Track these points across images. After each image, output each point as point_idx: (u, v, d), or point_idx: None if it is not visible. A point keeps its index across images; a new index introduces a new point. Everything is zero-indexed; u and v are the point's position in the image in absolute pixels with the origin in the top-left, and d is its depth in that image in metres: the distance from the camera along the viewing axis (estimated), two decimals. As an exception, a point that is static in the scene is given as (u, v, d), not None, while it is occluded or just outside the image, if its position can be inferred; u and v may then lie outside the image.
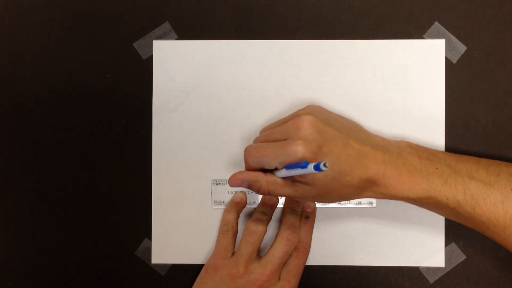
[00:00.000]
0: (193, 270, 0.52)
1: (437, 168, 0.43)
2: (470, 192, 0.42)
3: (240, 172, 0.45)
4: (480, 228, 0.44)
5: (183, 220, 0.52)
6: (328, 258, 0.52)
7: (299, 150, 0.40)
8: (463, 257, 0.51)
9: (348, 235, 0.52)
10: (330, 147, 0.41)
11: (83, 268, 0.53)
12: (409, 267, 0.52)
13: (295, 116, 0.44)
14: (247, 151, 0.44)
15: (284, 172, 0.42)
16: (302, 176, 0.41)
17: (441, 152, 0.46)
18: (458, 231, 0.51)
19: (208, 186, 0.52)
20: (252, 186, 0.44)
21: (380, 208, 0.52)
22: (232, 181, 0.44)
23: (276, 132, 0.44)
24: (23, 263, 0.53)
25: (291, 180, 0.43)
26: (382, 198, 0.44)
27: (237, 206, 0.51)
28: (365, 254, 0.52)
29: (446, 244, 0.51)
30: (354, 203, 0.52)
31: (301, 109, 0.46)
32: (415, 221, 0.51)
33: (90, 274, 0.53)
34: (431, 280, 0.52)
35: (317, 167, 0.37)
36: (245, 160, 0.44)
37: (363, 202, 0.52)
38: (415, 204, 0.45)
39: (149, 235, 0.53)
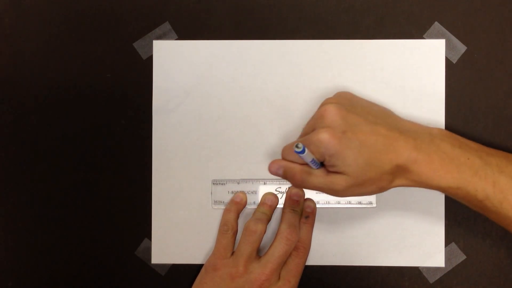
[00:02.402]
0: (193, 270, 0.52)
1: (468, 159, 0.43)
2: (499, 186, 0.42)
3: (278, 159, 0.46)
4: (504, 222, 0.43)
5: (183, 220, 0.52)
6: (328, 258, 0.52)
7: (323, 137, 0.41)
8: (463, 257, 0.51)
9: (348, 235, 0.52)
10: (355, 132, 0.42)
11: (83, 268, 0.53)
12: (409, 267, 0.52)
13: (321, 106, 0.45)
14: (283, 150, 0.46)
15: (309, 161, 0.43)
16: (334, 166, 0.42)
17: (473, 142, 0.45)
18: (458, 231, 0.51)
19: (208, 186, 0.52)
20: (287, 174, 0.45)
21: (380, 208, 0.52)
22: (271, 167, 0.46)
23: (307, 127, 0.46)
24: (23, 263, 0.53)
25: (326, 171, 0.43)
26: (414, 186, 0.44)
27: (237, 206, 0.51)
28: (365, 254, 0.52)
29: (446, 244, 0.51)
30: (354, 203, 0.52)
31: (329, 98, 0.47)
32: (415, 221, 0.51)
33: (90, 274, 0.53)
34: (431, 280, 0.52)
35: (301, 152, 0.40)
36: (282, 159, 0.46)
37: (363, 202, 0.52)
38: (444, 193, 0.45)
39: (149, 235, 0.53)
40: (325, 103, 0.45)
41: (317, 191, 0.51)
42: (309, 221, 0.50)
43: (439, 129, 0.45)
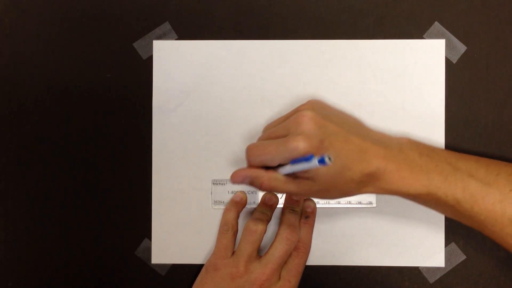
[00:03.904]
0: (193, 270, 0.52)
1: (437, 165, 0.43)
2: (469, 191, 0.42)
3: (242, 169, 0.45)
4: (478, 226, 0.44)
5: (183, 220, 0.52)
6: (328, 258, 0.52)
7: (300, 145, 0.40)
8: (463, 257, 0.51)
9: (348, 235, 0.52)
10: (331, 141, 0.41)
11: (83, 268, 0.53)
12: (409, 267, 0.52)
13: (296, 112, 0.44)
14: (249, 150, 0.44)
15: (287, 168, 0.42)
16: (305, 171, 0.41)
17: (442, 149, 0.46)
18: (458, 231, 0.51)
19: (208, 186, 0.52)
20: (254, 183, 0.44)
21: (380, 208, 0.52)
22: (234, 178, 0.44)
23: (278, 129, 0.44)
24: (23, 263, 0.53)
25: (293, 176, 0.43)
26: (383, 193, 0.44)
27: (237, 205, 0.51)
28: (365, 254, 0.52)
29: (446, 244, 0.51)
30: (354, 203, 0.52)
31: (302, 105, 0.46)
32: (415, 221, 0.51)
33: (90, 274, 0.53)
34: (431, 280, 0.52)
35: (321, 161, 0.37)
36: (247, 159, 0.44)
37: (363, 202, 0.52)
38: (414, 201, 0.45)
39: (149, 235, 0.53)
40: (300, 109, 0.44)
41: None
42: (309, 221, 0.50)
43: (408, 139, 0.45)
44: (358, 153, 0.42)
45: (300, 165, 0.40)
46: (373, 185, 0.43)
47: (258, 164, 0.44)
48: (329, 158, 0.37)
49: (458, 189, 0.42)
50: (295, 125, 0.42)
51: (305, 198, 0.51)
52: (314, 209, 0.51)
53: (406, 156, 0.43)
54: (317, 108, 0.44)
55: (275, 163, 0.43)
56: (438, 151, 0.45)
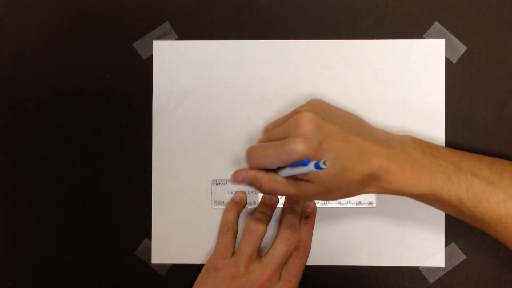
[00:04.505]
0: (193, 270, 0.52)
1: (440, 165, 0.43)
2: (473, 190, 0.42)
3: (242, 169, 0.45)
4: (482, 226, 0.44)
5: (183, 220, 0.52)
6: (328, 258, 0.52)
7: (298, 148, 0.40)
8: (463, 257, 0.51)
9: (348, 235, 0.52)
10: (330, 143, 0.41)
11: (83, 268, 0.53)
12: (409, 267, 0.52)
13: (295, 113, 0.44)
14: (249, 153, 0.44)
15: (287, 171, 0.42)
16: (304, 174, 0.41)
17: (445, 148, 0.46)
18: (458, 231, 0.51)
19: (208, 186, 0.52)
20: (254, 184, 0.44)
21: (380, 208, 0.52)
22: (235, 178, 0.44)
23: (277, 132, 0.44)
24: (23, 263, 0.53)
25: (293, 178, 0.43)
26: (385, 193, 0.43)
27: (237, 205, 0.51)
28: (365, 254, 0.52)
29: (446, 244, 0.51)
30: (354, 203, 0.52)
31: (302, 105, 0.46)
32: (415, 221, 0.51)
33: (90, 274, 0.53)
34: (431, 280, 0.52)
35: (317, 165, 0.37)
36: (247, 162, 0.44)
37: (363, 202, 0.52)
38: (418, 200, 0.45)
39: (149, 235, 0.53)
40: (299, 110, 0.44)
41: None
42: (309, 221, 0.50)
43: (411, 137, 0.45)
44: (359, 154, 0.42)
45: (298, 169, 0.40)
46: (375, 185, 0.43)
47: (257, 167, 0.44)
48: (324, 163, 0.36)
49: (461, 189, 0.42)
50: (294, 127, 0.42)
51: (305, 200, 0.51)
52: (314, 209, 0.51)
53: (409, 156, 0.43)
54: (317, 109, 0.44)
55: (274, 166, 0.43)
56: (441, 150, 0.45)
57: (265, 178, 0.43)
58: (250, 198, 0.52)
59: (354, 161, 0.41)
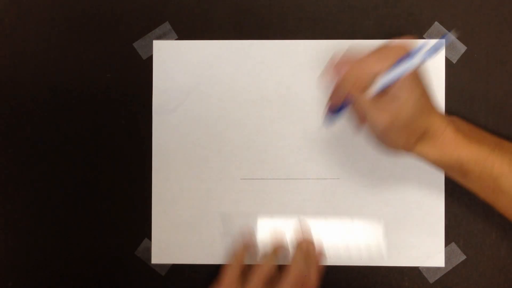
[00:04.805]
0: (193, 270, 0.52)
1: (485, 137, 0.46)
2: None
3: (345, 60, 0.43)
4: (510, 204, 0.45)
5: (183, 220, 0.52)
6: (328, 258, 0.52)
7: (406, 42, 0.42)
8: (463, 257, 0.51)
9: (348, 235, 0.52)
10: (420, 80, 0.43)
11: (83, 268, 0.53)
12: (409, 267, 0.52)
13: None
14: (339, 65, 0.44)
15: (389, 76, 0.42)
16: (393, 87, 0.42)
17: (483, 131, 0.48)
18: (458, 231, 0.51)
19: (208, 187, 0.52)
20: (349, 78, 0.43)
21: (380, 208, 0.52)
22: (337, 67, 0.44)
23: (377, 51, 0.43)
24: (23, 263, 0.53)
25: (378, 96, 0.43)
26: (435, 157, 0.44)
27: (239, 261, 0.51)
28: (365, 254, 0.52)
29: (446, 244, 0.51)
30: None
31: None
32: (415, 221, 0.51)
33: (90, 274, 0.53)
34: (431, 280, 0.52)
35: (443, 37, 0.39)
36: (336, 78, 0.44)
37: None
38: (460, 170, 0.45)
39: (149, 235, 0.53)
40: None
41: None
42: (317, 262, 0.51)
43: (457, 117, 0.48)
44: (430, 107, 0.44)
45: (406, 64, 0.41)
46: (431, 143, 0.44)
47: (350, 82, 0.43)
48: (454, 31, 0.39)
49: (504, 161, 0.43)
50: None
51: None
52: (321, 254, 0.51)
53: (459, 125, 0.45)
54: None
55: (371, 77, 0.42)
56: (482, 131, 0.48)
57: (364, 77, 0.43)
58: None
59: (429, 107, 0.43)
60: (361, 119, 0.45)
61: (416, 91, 0.42)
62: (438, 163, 0.45)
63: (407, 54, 0.41)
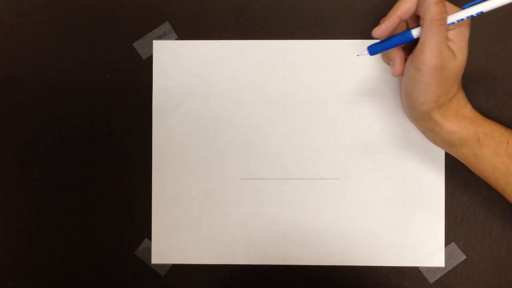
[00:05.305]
0: (193, 270, 0.52)
1: (494, 123, 0.47)
2: None
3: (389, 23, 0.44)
4: None
5: (183, 220, 0.52)
6: (328, 258, 0.52)
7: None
8: (463, 257, 0.51)
9: (348, 235, 0.52)
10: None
11: (83, 268, 0.53)
12: (409, 267, 0.52)
13: None
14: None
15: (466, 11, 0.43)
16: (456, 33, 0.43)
17: None
18: (458, 231, 0.51)
19: (208, 186, 0.52)
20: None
21: (380, 208, 0.52)
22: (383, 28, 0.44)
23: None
24: (23, 263, 0.53)
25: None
26: (450, 127, 0.45)
27: None
28: (365, 254, 0.52)
29: (446, 244, 0.51)
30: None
31: None
32: (415, 221, 0.51)
33: (90, 274, 0.53)
34: (431, 280, 0.52)
35: None
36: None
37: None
38: (473, 144, 0.45)
39: (149, 235, 0.53)
40: None
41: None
42: None
43: None
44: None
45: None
46: (451, 110, 0.45)
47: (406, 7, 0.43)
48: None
49: None
50: None
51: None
52: None
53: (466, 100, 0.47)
54: None
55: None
56: None
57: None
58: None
59: (460, 79, 0.45)
60: (401, 61, 0.45)
61: (466, 50, 0.43)
62: (454, 134, 0.45)
63: None
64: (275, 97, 0.52)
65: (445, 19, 0.42)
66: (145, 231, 0.53)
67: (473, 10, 0.43)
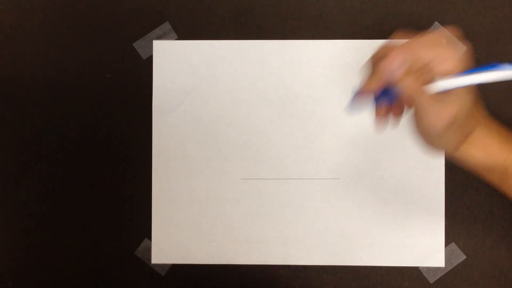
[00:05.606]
0: (193, 270, 0.52)
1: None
2: None
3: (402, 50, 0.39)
4: None
5: (183, 220, 0.52)
6: (328, 258, 0.52)
7: (448, 30, 0.41)
8: (463, 257, 0.51)
9: (348, 235, 0.52)
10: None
11: (83, 268, 0.53)
12: (409, 267, 0.52)
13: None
14: (389, 49, 0.40)
15: (449, 82, 0.39)
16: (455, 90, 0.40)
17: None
18: (458, 231, 0.51)
19: (208, 186, 0.52)
20: (396, 66, 0.39)
21: (380, 208, 0.52)
22: (392, 59, 0.39)
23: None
24: (23, 263, 0.53)
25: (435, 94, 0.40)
26: (476, 160, 0.43)
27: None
28: (365, 254, 0.52)
29: (446, 244, 0.51)
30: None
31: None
32: (415, 221, 0.51)
33: (90, 274, 0.53)
34: (431, 280, 0.52)
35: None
36: (387, 63, 0.39)
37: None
38: (500, 173, 0.44)
39: (149, 235, 0.53)
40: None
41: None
42: None
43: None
44: (479, 106, 0.43)
45: (482, 75, 0.39)
46: (475, 144, 0.43)
47: (402, 70, 0.39)
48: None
49: None
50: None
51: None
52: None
53: (496, 127, 0.44)
54: None
55: (423, 65, 0.39)
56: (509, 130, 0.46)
57: (411, 77, 0.39)
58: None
59: (478, 107, 0.43)
60: (398, 112, 0.43)
61: (472, 90, 0.41)
62: (482, 166, 0.43)
63: (491, 65, 0.39)
64: (275, 97, 0.52)
65: (420, 88, 0.40)
66: (145, 231, 0.53)
67: (458, 82, 0.39)
